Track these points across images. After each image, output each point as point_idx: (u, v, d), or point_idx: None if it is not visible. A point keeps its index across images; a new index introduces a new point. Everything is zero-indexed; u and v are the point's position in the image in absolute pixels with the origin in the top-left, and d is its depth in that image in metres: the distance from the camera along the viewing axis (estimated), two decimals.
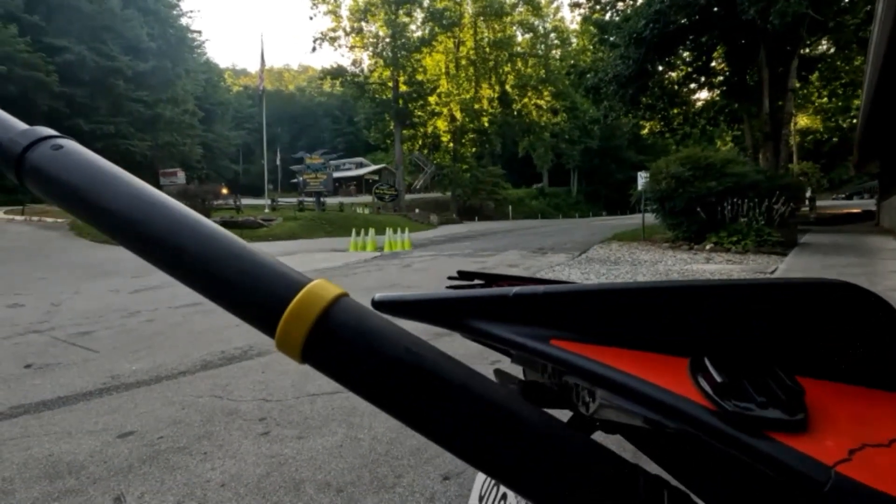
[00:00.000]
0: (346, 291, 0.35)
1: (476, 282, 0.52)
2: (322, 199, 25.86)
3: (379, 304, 0.40)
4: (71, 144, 0.39)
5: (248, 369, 3.57)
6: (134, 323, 5.16)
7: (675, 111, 21.31)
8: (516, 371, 0.59)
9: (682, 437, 0.32)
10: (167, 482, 2.07)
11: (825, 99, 28.31)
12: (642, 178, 13.13)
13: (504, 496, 0.58)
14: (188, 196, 18.72)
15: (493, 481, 0.60)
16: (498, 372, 0.54)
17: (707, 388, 0.32)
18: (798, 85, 19.66)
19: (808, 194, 26.73)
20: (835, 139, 38.84)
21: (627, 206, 22.27)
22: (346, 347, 0.33)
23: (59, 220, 16.25)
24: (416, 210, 31.59)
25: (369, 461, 2.21)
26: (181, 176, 25.53)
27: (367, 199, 34.08)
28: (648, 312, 0.37)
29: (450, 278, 0.52)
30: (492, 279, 0.50)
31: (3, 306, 6.18)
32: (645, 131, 28.95)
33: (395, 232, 14.27)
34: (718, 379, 0.32)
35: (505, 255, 11.52)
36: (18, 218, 16.56)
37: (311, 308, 0.33)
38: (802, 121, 36.40)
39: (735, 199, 10.88)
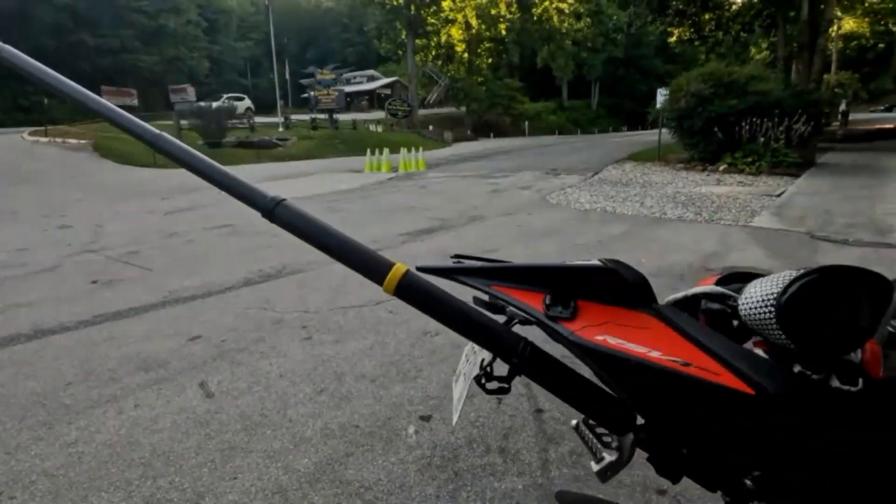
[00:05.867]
0: (409, 267, 0.82)
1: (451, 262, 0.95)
2: (335, 117, 25.51)
3: (421, 269, 0.85)
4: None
5: (285, 285, 4.09)
6: (175, 243, 5.69)
7: (708, 16, 19.86)
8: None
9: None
10: (236, 373, 2.62)
11: None
12: (661, 96, 12.71)
13: (475, 350, 0.96)
14: (203, 116, 18.69)
15: (474, 345, 0.97)
16: (476, 300, 0.93)
17: (546, 302, 0.82)
18: None
19: (841, 108, 25.31)
20: (881, 45, 35.82)
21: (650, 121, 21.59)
22: (413, 291, 0.82)
23: (83, 142, 16.58)
24: (430, 127, 30.92)
25: (395, 360, 2.73)
26: (191, 92, 24.98)
27: (380, 114, 33.28)
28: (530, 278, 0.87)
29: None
30: (472, 259, 0.91)
31: (55, 227, 6.77)
32: (673, 38, 27.03)
33: (409, 151, 14.33)
34: (549, 301, 0.83)
35: (519, 175, 11.67)
36: (43, 139, 16.88)
37: (397, 274, 0.82)
38: (847, 24, 33.44)
39: (755, 119, 10.62)
